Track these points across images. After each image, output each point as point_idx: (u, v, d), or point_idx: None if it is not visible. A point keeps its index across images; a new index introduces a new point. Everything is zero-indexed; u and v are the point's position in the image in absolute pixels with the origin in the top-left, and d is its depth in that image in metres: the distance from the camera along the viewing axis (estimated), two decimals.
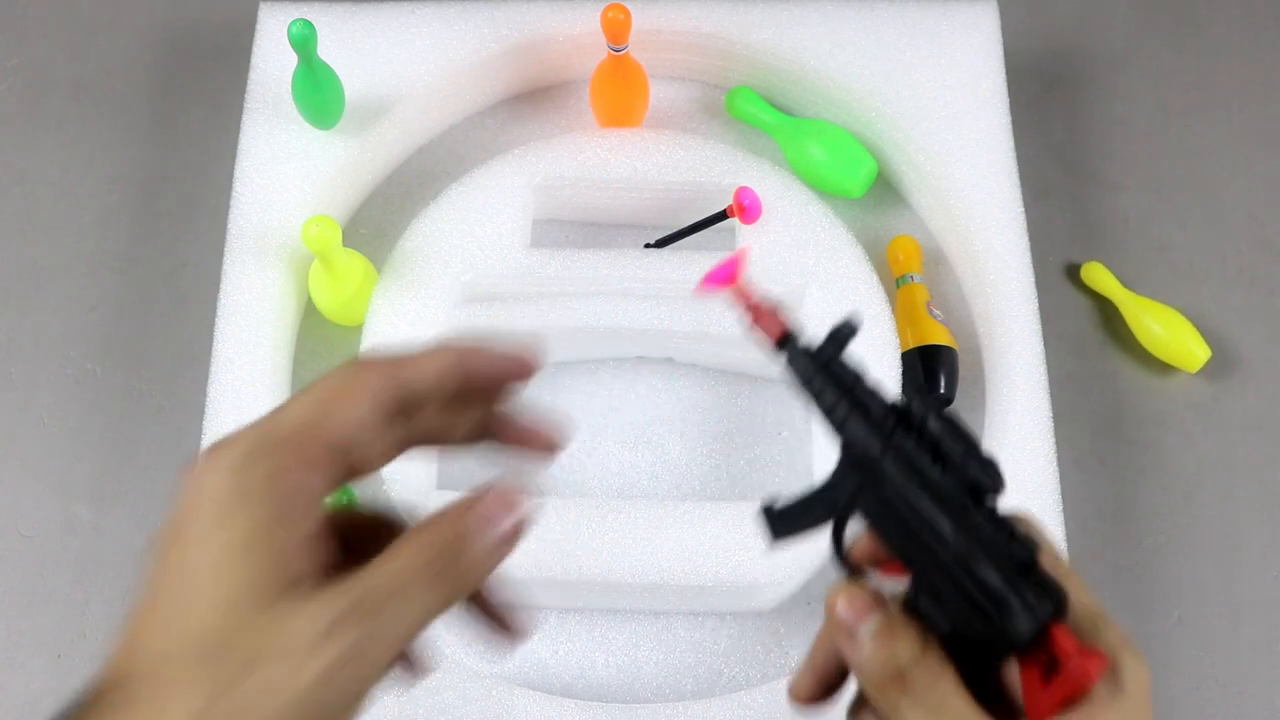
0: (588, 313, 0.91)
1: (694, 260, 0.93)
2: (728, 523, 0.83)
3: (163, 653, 0.34)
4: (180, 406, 0.94)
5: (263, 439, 0.38)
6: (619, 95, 0.98)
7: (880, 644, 0.42)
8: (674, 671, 0.86)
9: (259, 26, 1.01)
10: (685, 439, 0.93)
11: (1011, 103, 0.99)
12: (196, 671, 0.34)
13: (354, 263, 0.91)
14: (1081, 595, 0.43)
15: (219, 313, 0.90)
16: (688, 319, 0.91)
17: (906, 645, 0.42)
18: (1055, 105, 1.09)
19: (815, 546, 0.82)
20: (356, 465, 0.41)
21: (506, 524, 0.40)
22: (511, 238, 0.93)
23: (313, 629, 0.35)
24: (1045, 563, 0.43)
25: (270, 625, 0.35)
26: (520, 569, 0.81)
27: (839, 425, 0.47)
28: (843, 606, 0.43)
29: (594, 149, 0.97)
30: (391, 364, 0.42)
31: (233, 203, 0.94)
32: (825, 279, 0.91)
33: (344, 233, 0.95)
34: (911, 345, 0.92)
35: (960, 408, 0.93)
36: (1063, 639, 0.41)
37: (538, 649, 0.86)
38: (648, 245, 0.96)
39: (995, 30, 1.01)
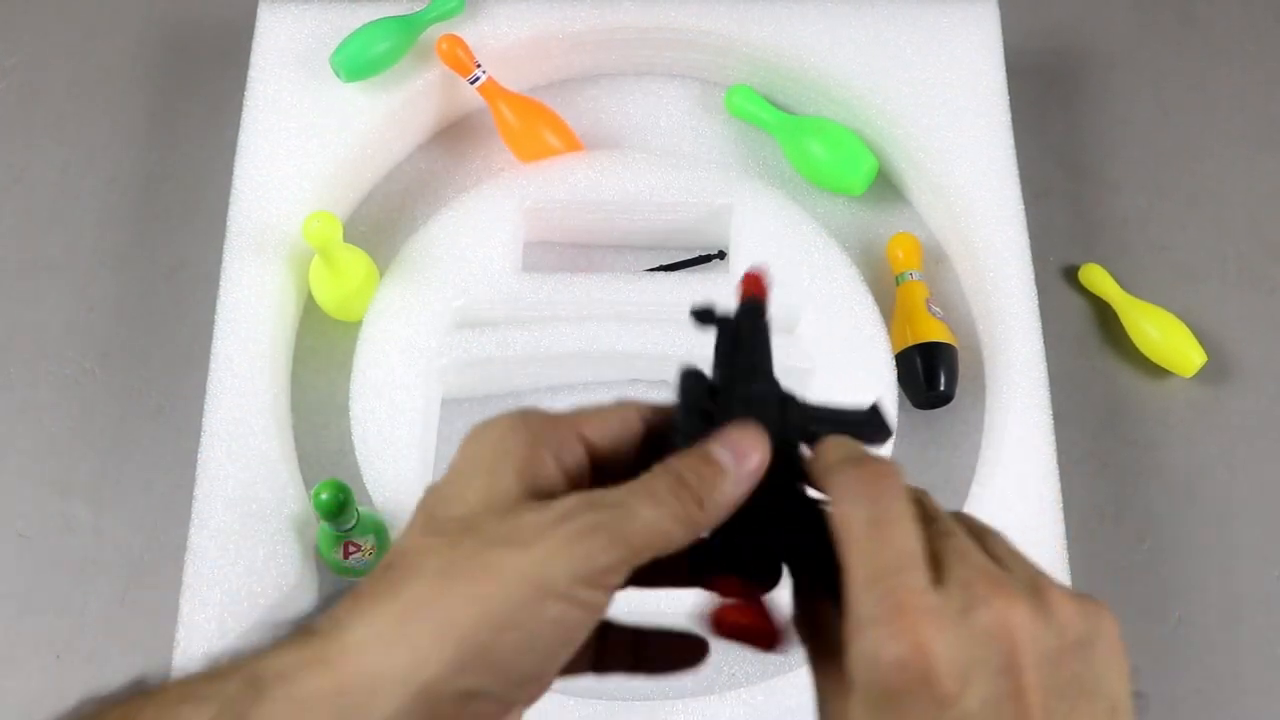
0: (581, 338, 0.90)
1: (687, 283, 0.93)
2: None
3: (436, 530, 0.41)
4: (180, 406, 0.94)
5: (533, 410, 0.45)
6: (523, 133, 0.98)
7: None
8: None
9: (258, 26, 1.01)
10: None
11: (1011, 102, 0.99)
12: (448, 545, 0.40)
13: (355, 258, 0.91)
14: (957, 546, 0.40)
15: (219, 309, 0.90)
16: (682, 342, 0.90)
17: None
18: (1055, 105, 1.09)
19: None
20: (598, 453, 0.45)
21: (753, 461, 0.43)
22: (503, 262, 0.93)
23: (543, 518, 0.40)
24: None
25: (513, 517, 0.41)
26: None
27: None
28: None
29: (584, 170, 0.96)
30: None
31: (232, 200, 0.94)
32: (820, 300, 0.91)
33: (343, 230, 0.95)
34: (911, 343, 0.92)
35: (960, 406, 0.93)
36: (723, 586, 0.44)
37: None
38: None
39: (995, 29, 1.01)
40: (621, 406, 0.46)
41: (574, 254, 1.00)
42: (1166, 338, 0.96)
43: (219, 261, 0.92)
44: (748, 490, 0.43)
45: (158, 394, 0.96)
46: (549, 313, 0.92)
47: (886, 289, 0.96)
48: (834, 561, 0.42)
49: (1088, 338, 0.99)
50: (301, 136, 0.96)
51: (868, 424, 0.50)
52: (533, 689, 0.40)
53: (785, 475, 0.46)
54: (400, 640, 0.38)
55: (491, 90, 0.98)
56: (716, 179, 0.96)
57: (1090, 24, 1.14)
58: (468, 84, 0.98)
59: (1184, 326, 0.96)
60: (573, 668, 0.44)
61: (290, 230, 0.92)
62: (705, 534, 0.43)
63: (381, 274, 0.93)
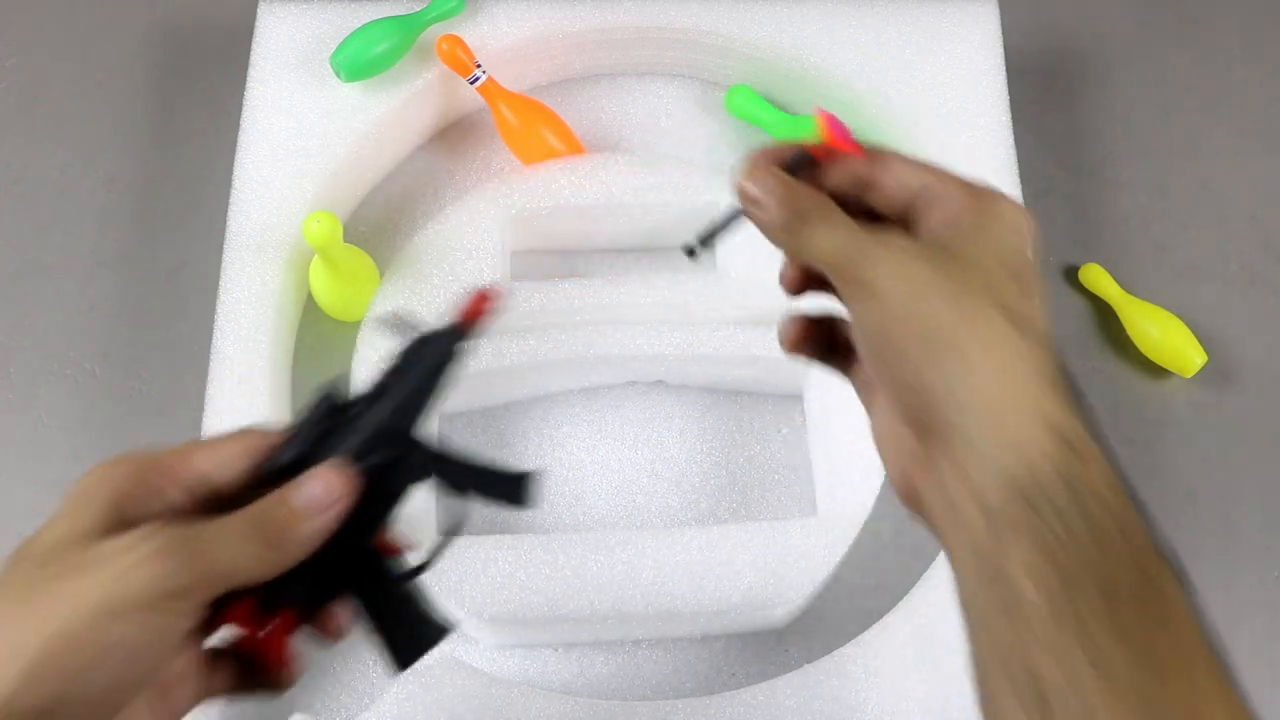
0: (575, 343, 0.90)
1: (677, 282, 0.93)
2: (737, 545, 0.83)
3: (16, 564, 0.44)
4: (180, 406, 0.94)
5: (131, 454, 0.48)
6: (523, 133, 0.98)
7: (783, 198, 0.49)
8: (674, 669, 0.85)
9: (258, 26, 1.01)
10: (684, 437, 0.93)
11: (1012, 101, 0.99)
12: (22, 576, 0.43)
13: (355, 258, 0.91)
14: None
15: (218, 310, 0.90)
16: (677, 342, 0.90)
17: (806, 193, 0.49)
18: (1055, 104, 1.09)
19: (825, 562, 0.82)
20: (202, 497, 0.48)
21: (330, 512, 0.47)
22: (492, 272, 0.92)
23: (118, 544, 0.43)
24: None
25: (91, 546, 0.43)
26: (532, 609, 0.81)
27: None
28: (749, 183, 0.50)
29: (569, 176, 0.96)
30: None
31: (232, 200, 0.94)
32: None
33: (343, 230, 0.95)
34: None
35: None
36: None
37: (537, 646, 0.86)
38: (689, 250, 0.66)
39: (995, 28, 1.01)
40: (238, 438, 0.49)
41: (565, 260, 1.00)
42: (1166, 338, 0.96)
43: (219, 261, 0.92)
44: (324, 535, 0.47)
45: (158, 394, 0.96)
46: (543, 320, 0.91)
47: None
48: (386, 604, 0.50)
49: (1088, 338, 0.99)
50: (301, 136, 0.96)
51: (511, 492, 0.55)
52: (117, 700, 0.43)
53: (368, 522, 0.50)
54: None
55: (491, 90, 0.98)
56: (702, 179, 0.96)
57: (1090, 24, 1.14)
58: (468, 84, 0.98)
59: (1184, 326, 0.96)
60: (215, 693, 0.49)
61: (290, 230, 0.92)
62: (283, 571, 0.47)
63: (381, 274, 0.93)
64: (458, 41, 0.97)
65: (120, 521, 0.44)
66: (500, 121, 0.99)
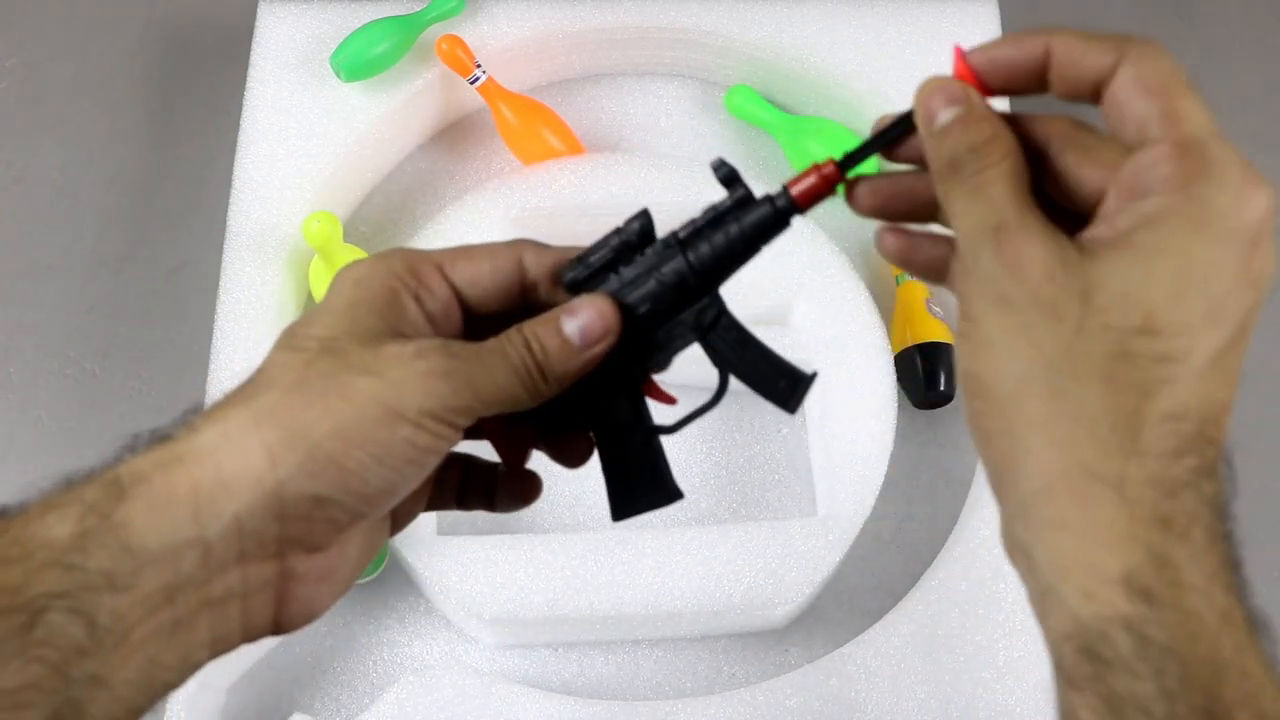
0: None
1: None
2: (737, 545, 0.83)
3: (295, 348, 0.42)
4: (180, 406, 0.94)
5: (397, 250, 0.47)
6: (523, 133, 0.99)
7: (953, 129, 0.42)
8: (674, 669, 0.85)
9: (258, 26, 1.01)
10: (685, 437, 0.93)
11: (1011, 102, 0.99)
12: (304, 362, 0.41)
13: (355, 258, 0.91)
14: None
15: (219, 309, 0.90)
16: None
17: (989, 130, 0.41)
18: (1055, 105, 1.09)
19: (825, 562, 0.82)
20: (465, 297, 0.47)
21: (597, 349, 0.46)
22: None
23: (403, 351, 0.42)
24: None
25: (374, 346, 0.42)
26: (534, 609, 0.81)
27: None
28: (937, 94, 0.42)
29: (569, 176, 0.96)
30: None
31: (232, 200, 0.94)
32: (812, 290, 0.91)
33: (343, 230, 0.95)
34: (911, 343, 0.92)
35: (960, 405, 0.93)
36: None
37: (537, 646, 0.86)
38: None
39: (995, 28, 1.01)
40: (505, 249, 0.48)
41: None
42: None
43: (219, 261, 0.92)
44: (591, 367, 0.46)
45: (158, 394, 0.96)
46: None
47: (886, 289, 0.96)
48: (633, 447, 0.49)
49: None
50: (301, 136, 0.96)
51: (778, 388, 0.52)
52: (381, 503, 0.42)
53: (630, 364, 0.49)
54: (253, 444, 0.40)
55: (491, 90, 0.98)
56: (701, 178, 0.96)
57: (1090, 24, 1.13)
58: (468, 84, 0.98)
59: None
60: (440, 503, 0.50)
61: (290, 230, 0.92)
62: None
63: None
64: (458, 41, 0.97)
65: (394, 328, 0.43)
66: (500, 121, 0.99)
